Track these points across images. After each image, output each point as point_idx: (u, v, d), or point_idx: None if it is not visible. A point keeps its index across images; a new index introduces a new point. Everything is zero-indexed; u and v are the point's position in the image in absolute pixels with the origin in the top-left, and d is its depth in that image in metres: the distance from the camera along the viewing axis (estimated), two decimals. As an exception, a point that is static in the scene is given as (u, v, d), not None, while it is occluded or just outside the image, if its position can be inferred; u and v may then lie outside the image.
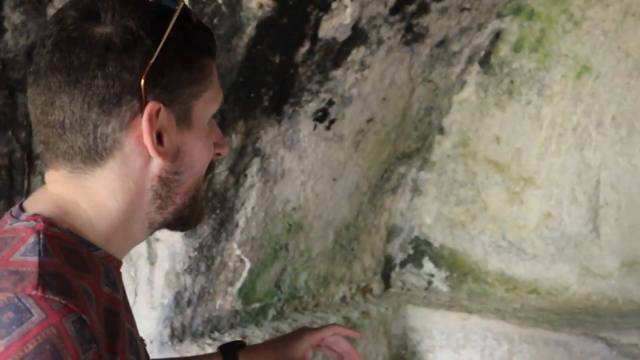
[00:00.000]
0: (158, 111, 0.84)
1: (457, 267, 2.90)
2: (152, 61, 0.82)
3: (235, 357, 1.34)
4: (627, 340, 2.24)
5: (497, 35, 2.71)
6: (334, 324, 1.45)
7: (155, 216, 0.90)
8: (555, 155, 2.63)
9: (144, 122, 0.83)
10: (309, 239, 2.54)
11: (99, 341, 0.77)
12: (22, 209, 0.86)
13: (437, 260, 2.93)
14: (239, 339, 1.96)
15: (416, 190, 2.92)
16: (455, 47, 2.68)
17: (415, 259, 2.97)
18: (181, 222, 0.94)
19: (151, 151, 0.84)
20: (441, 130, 2.86)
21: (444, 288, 2.92)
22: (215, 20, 1.99)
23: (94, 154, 0.84)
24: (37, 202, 0.87)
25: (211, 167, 0.95)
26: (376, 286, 2.92)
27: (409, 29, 2.43)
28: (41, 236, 0.80)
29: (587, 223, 2.60)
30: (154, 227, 0.92)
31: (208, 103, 0.91)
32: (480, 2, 2.55)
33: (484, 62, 2.75)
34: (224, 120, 2.09)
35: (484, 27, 2.68)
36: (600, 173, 2.56)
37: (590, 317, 2.51)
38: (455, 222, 2.86)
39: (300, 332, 1.42)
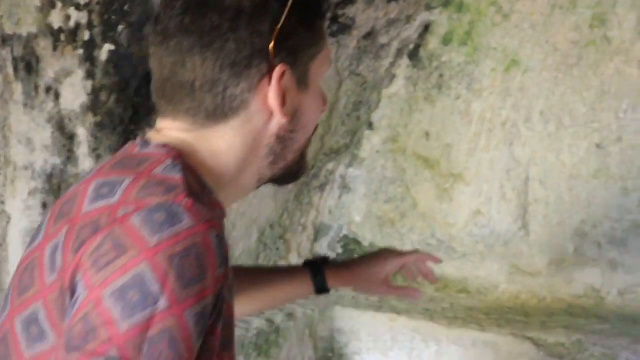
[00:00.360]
0: (284, 73, 0.89)
1: (386, 266, 2.82)
2: (279, 25, 0.88)
3: (322, 272, 1.40)
4: (554, 340, 2.19)
5: (427, 28, 2.64)
6: (417, 250, 1.59)
7: (265, 171, 0.96)
8: (485, 151, 2.58)
9: (273, 84, 0.89)
10: (231, 238, 2.43)
11: (229, 262, 0.82)
12: (146, 141, 0.90)
13: (366, 259, 2.85)
14: None
15: (345, 188, 2.83)
16: (383, 40, 2.60)
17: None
18: (287, 176, 1.01)
19: (277, 112, 0.91)
20: (370, 126, 2.78)
21: (374, 288, 2.84)
22: (126, 7, 1.87)
23: (219, 113, 0.90)
24: (160, 139, 0.90)
25: (317, 126, 1.01)
26: (303, 286, 2.83)
27: (334, 20, 2.34)
28: (178, 160, 0.85)
29: (516, 220, 2.55)
30: (262, 182, 0.98)
31: (322, 64, 0.97)
32: (407, -7, 2.48)
33: (414, 56, 2.68)
34: (136, 114, 1.98)
35: (412, 19, 2.61)
36: (530, 169, 2.51)
37: (518, 316, 2.47)
38: (384, 220, 2.79)
39: (386, 255, 1.49)
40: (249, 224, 2.52)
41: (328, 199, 2.83)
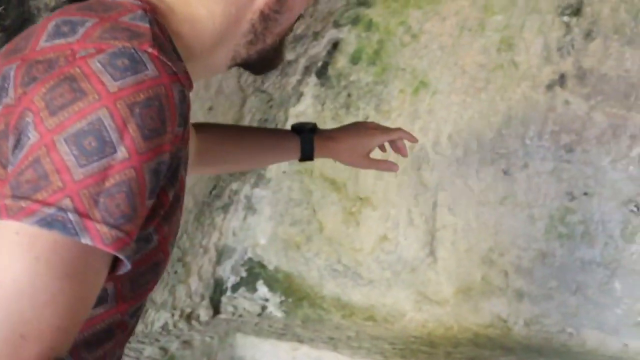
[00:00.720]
0: None
1: (292, 292, 2.71)
2: None
3: (311, 141, 1.41)
4: (457, 374, 2.12)
5: (335, 46, 2.55)
6: (400, 129, 1.54)
7: (242, 50, 0.92)
8: (392, 174, 2.49)
9: None
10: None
11: (189, 127, 0.79)
12: None
13: (271, 284, 2.73)
14: None
15: (250, 209, 2.71)
16: (290, 56, 2.49)
17: (248, 283, 2.76)
18: (261, 63, 0.96)
19: None
20: (277, 145, 2.67)
21: (279, 314, 2.72)
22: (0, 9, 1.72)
23: None
24: None
25: (298, 17, 0.99)
26: (204, 312, 2.69)
27: (235, 34, 2.23)
28: (150, 13, 0.80)
29: (423, 247, 2.47)
30: (235, 61, 0.93)
31: None
32: (315, 8, 2.38)
33: (321, 74, 2.58)
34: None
35: (320, 36, 2.51)
36: (438, 194, 2.43)
37: (424, 346, 2.39)
38: (290, 244, 2.68)
39: (372, 131, 1.49)
40: (144, 247, 2.37)
41: (232, 220, 2.71)
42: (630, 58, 2.15)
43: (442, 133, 2.41)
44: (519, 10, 2.29)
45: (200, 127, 1.32)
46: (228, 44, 0.90)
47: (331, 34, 2.52)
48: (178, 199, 0.83)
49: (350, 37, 2.53)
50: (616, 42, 2.16)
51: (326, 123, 2.59)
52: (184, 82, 0.77)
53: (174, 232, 0.87)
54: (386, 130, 1.54)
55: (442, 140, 2.41)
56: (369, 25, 2.50)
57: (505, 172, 2.33)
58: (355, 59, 2.53)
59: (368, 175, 2.53)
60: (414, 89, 2.46)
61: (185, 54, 0.84)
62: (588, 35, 2.21)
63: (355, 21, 2.51)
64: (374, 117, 2.52)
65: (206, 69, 0.94)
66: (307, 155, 1.44)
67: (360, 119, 2.54)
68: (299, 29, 2.41)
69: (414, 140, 1.59)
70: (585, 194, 2.23)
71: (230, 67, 0.95)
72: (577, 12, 2.22)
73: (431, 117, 2.43)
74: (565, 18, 2.24)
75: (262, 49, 0.93)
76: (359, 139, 1.49)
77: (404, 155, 1.58)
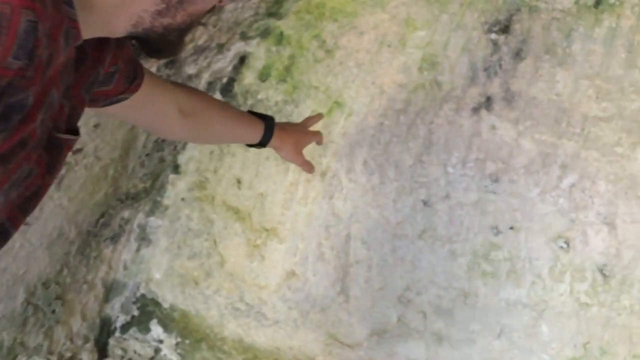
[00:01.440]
0: None
1: (189, 332, 2.37)
2: None
3: (272, 129, 1.51)
4: None
5: (242, 60, 2.25)
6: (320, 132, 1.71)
7: (147, 18, 0.83)
8: (302, 203, 2.20)
9: None
10: (-14, 301, 1.91)
11: (35, 67, 0.68)
12: None
13: (166, 324, 2.38)
14: None
15: (144, 239, 2.37)
16: (190, 70, 2.19)
17: (140, 322, 2.40)
18: (160, 43, 0.87)
19: None
20: (176, 169, 2.35)
21: (174, 357, 2.37)
22: None
23: None
24: None
25: (212, 9, 0.91)
26: (87, 356, 2.32)
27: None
28: None
29: (334, 284, 2.18)
30: (136, 29, 0.84)
31: None
32: (219, 17, 2.08)
33: (227, 91, 2.28)
34: None
35: (225, 48, 2.21)
36: (351, 226, 2.15)
37: (333, 396, 2.08)
38: (187, 279, 2.34)
39: (308, 130, 1.66)
40: (13, 281, 2.00)
41: (123, 252, 2.35)
42: (562, 80, 1.92)
43: (357, 159, 2.14)
44: (442, 25, 2.06)
45: (187, 88, 1.38)
46: (135, 7, 0.82)
47: (238, 47, 2.23)
48: (24, 144, 0.73)
49: (258, 51, 2.24)
50: (547, 63, 1.94)
51: (230, 145, 2.28)
52: (44, 17, 0.67)
53: (8, 181, 0.76)
54: (314, 133, 1.68)
55: (357, 167, 2.14)
56: (280, 39, 2.22)
57: (425, 203, 2.07)
58: (264, 76, 2.24)
59: (275, 204, 2.23)
60: (327, 110, 2.18)
61: (81, 1, 0.75)
62: (517, 55, 1.98)
63: (264, 34, 2.23)
64: (283, 140, 2.23)
65: (103, 26, 0.83)
66: (264, 141, 1.52)
67: (268, 141, 2.24)
68: (201, 39, 2.11)
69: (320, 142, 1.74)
70: (512, 228, 1.98)
71: (129, 34, 0.85)
72: (505, 29, 2.00)
73: (345, 141, 2.15)
74: (493, 35, 2.01)
75: (169, 26, 0.85)
76: (302, 135, 1.62)
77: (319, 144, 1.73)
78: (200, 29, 2.05)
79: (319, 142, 1.72)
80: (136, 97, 1.11)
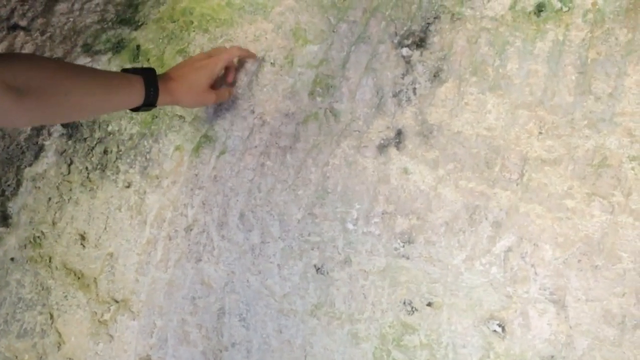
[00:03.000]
0: None
1: None
2: None
3: (155, 83, 1.27)
4: None
5: (89, 81, 1.66)
6: (232, 48, 1.45)
7: None
8: (161, 268, 1.61)
9: None
10: None
11: None
12: None
13: (-9, 421, 1.75)
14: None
15: (-38, 311, 1.74)
16: (16, 92, 1.58)
17: (-44, 420, 1.76)
18: None
19: None
20: (4, 220, 1.74)
21: None
22: None
23: None
24: None
25: None
26: None
27: None
28: None
29: (203, 373, 1.59)
30: None
31: None
32: (47, 21, 1.49)
33: (66, 123, 1.69)
34: None
35: (67, 66, 1.61)
36: (225, 298, 1.57)
37: None
38: (16, 364, 1.72)
39: (205, 62, 1.39)
40: None
41: None
42: (494, 110, 1.39)
43: (232, 210, 1.57)
44: (340, 38, 1.51)
45: (14, 57, 1.05)
46: None
47: (81, 64, 1.64)
48: None
49: (109, 69, 1.66)
50: (474, 87, 1.41)
51: (73, 191, 1.69)
52: None
53: None
54: (218, 56, 1.41)
55: (232, 221, 1.57)
56: (136, 54, 1.65)
57: (319, 270, 1.51)
58: (116, 101, 1.65)
59: (127, 268, 1.63)
60: (195, 146, 1.61)
61: None
62: (436, 77, 1.45)
63: (117, 47, 1.65)
64: (139, 184, 1.64)
65: None
66: (150, 100, 1.28)
67: (120, 186, 1.66)
68: (25, 49, 1.52)
69: (252, 55, 1.48)
70: (430, 304, 1.43)
71: None
72: (421, 42, 1.46)
73: (217, 186, 1.58)
74: (405, 51, 1.47)
75: None
76: (196, 74, 1.36)
77: (230, 83, 1.47)
78: (21, 35, 1.46)
79: (229, 74, 1.47)
80: None
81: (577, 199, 1.33)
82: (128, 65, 1.65)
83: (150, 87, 1.26)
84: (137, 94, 1.25)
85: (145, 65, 1.62)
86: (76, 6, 1.49)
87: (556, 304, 1.34)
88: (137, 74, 1.26)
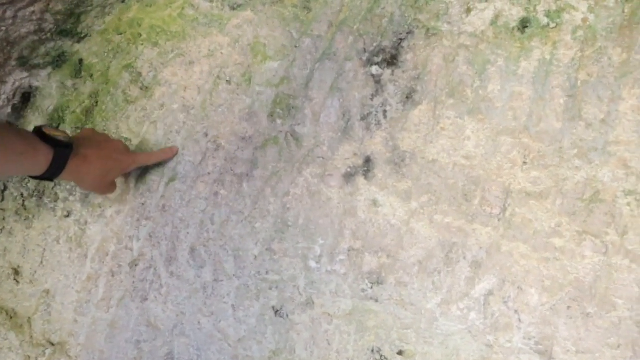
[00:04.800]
0: None
1: None
2: None
3: (66, 160, 1.12)
4: None
5: (26, 99, 1.45)
6: (158, 152, 1.31)
7: None
8: (102, 307, 1.39)
9: None
10: None
11: None
12: None
13: None
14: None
15: None
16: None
17: None
18: None
19: None
20: None
21: None
22: None
23: None
24: None
25: None
26: None
27: None
28: None
29: None
30: None
31: None
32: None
33: (4, 141, 1.46)
34: None
35: (2, 80, 1.41)
36: (174, 342, 1.36)
37: None
38: (-60, 413, 1.48)
39: (126, 158, 1.26)
40: None
41: None
42: (474, 137, 1.20)
43: (182, 244, 1.35)
44: (303, 54, 1.32)
45: None
46: None
47: (17, 78, 1.43)
48: None
49: (49, 87, 1.45)
50: (451, 111, 1.22)
51: (7, 220, 1.46)
52: None
53: None
54: (143, 159, 1.27)
55: (181, 256, 1.35)
56: (79, 69, 1.44)
57: (278, 312, 1.30)
58: (55, 121, 1.45)
59: (65, 307, 1.41)
60: (141, 172, 1.40)
61: None
62: (409, 98, 1.25)
63: (57, 61, 1.44)
64: (79, 213, 1.43)
65: None
66: (51, 175, 1.10)
67: (59, 216, 1.44)
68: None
69: (174, 152, 1.30)
70: (401, 353, 1.23)
71: None
72: (392, 60, 1.27)
73: (166, 217, 1.37)
74: (375, 69, 1.28)
75: None
76: (113, 164, 1.21)
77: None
78: (-57, 48, 1.24)
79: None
80: None
81: (566, 237, 1.15)
82: (69, 82, 1.44)
83: (58, 161, 1.10)
84: (39, 166, 1.09)
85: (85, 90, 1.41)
86: (8, 14, 1.27)
87: (542, 356, 1.15)
88: (55, 143, 1.10)
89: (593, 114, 1.14)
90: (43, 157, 1.09)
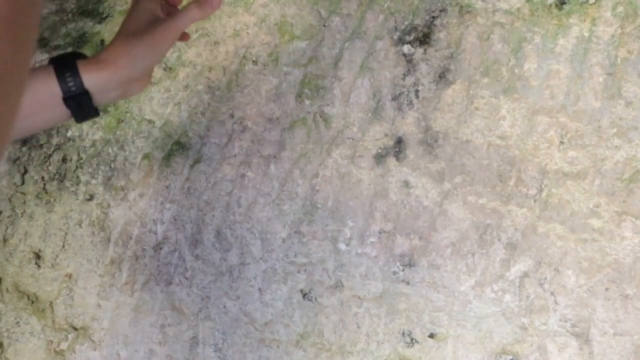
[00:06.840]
0: None
1: None
2: None
3: (75, 70, 0.77)
4: None
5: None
6: (191, 5, 0.84)
7: None
8: (126, 291, 1.32)
9: None
10: None
11: None
12: None
13: None
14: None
15: None
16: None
17: None
18: None
19: None
20: (-50, 235, 1.43)
21: None
22: None
23: None
24: None
25: None
26: None
27: None
28: None
29: (174, 411, 1.30)
30: None
31: None
32: None
33: (24, 124, 1.38)
34: None
35: None
36: (199, 326, 1.29)
37: None
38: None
39: (162, 27, 0.83)
40: None
41: None
42: (509, 116, 1.14)
43: (207, 227, 1.29)
44: (332, 33, 1.25)
45: None
46: None
47: (38, 61, 1.35)
48: None
49: (69, 68, 1.36)
50: (486, 90, 1.15)
51: (28, 204, 1.39)
52: None
53: None
54: (179, 17, 0.83)
55: (207, 239, 1.29)
56: (100, 50, 1.35)
57: (306, 295, 1.23)
58: (77, 103, 1.36)
59: (88, 292, 1.34)
60: (165, 154, 1.33)
61: None
62: (442, 78, 1.19)
63: (78, 42, 1.36)
64: (101, 196, 1.35)
65: None
66: (74, 91, 0.77)
67: (81, 199, 1.36)
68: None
69: (216, 5, 0.86)
70: (432, 336, 1.17)
71: None
72: (424, 39, 1.20)
73: (190, 200, 1.30)
74: (406, 48, 1.21)
75: None
76: (150, 48, 0.81)
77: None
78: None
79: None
80: None
81: (604, 218, 1.08)
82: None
83: (65, 71, 0.77)
84: (48, 87, 0.77)
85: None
86: (29, -7, 1.20)
87: (579, 338, 1.09)
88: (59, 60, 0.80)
89: (633, 92, 1.08)
90: (47, 86, 0.79)
